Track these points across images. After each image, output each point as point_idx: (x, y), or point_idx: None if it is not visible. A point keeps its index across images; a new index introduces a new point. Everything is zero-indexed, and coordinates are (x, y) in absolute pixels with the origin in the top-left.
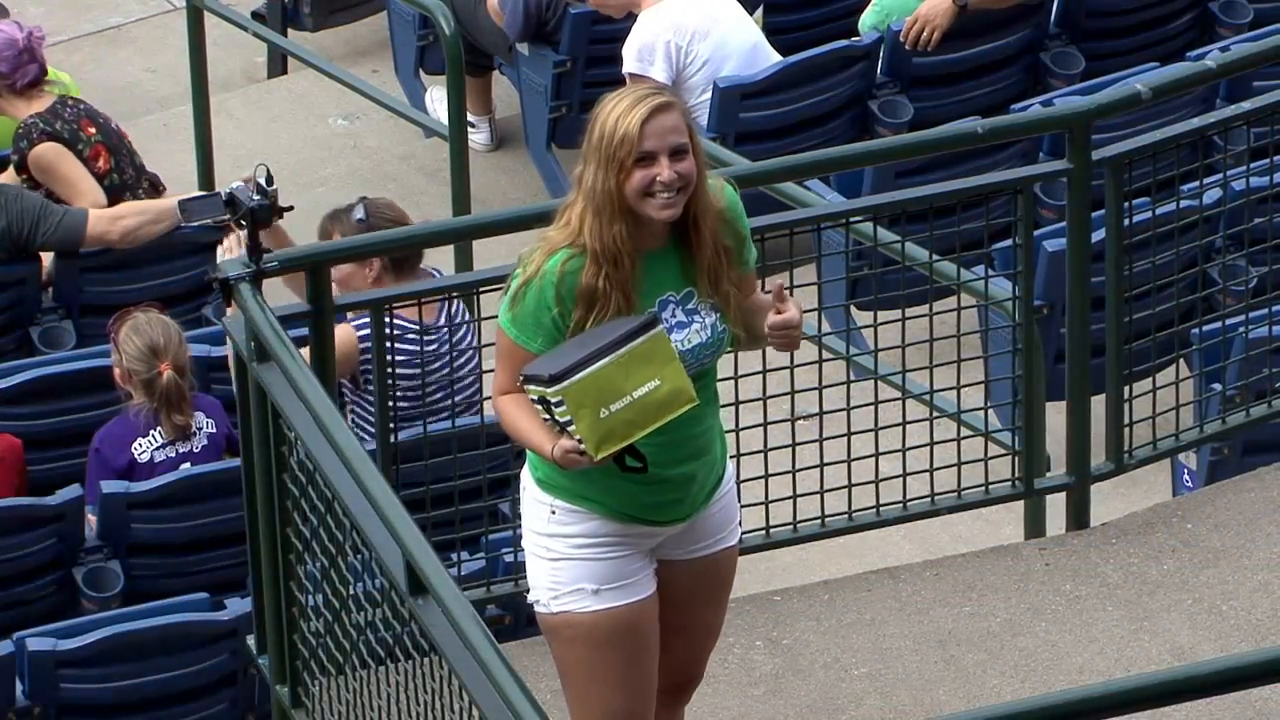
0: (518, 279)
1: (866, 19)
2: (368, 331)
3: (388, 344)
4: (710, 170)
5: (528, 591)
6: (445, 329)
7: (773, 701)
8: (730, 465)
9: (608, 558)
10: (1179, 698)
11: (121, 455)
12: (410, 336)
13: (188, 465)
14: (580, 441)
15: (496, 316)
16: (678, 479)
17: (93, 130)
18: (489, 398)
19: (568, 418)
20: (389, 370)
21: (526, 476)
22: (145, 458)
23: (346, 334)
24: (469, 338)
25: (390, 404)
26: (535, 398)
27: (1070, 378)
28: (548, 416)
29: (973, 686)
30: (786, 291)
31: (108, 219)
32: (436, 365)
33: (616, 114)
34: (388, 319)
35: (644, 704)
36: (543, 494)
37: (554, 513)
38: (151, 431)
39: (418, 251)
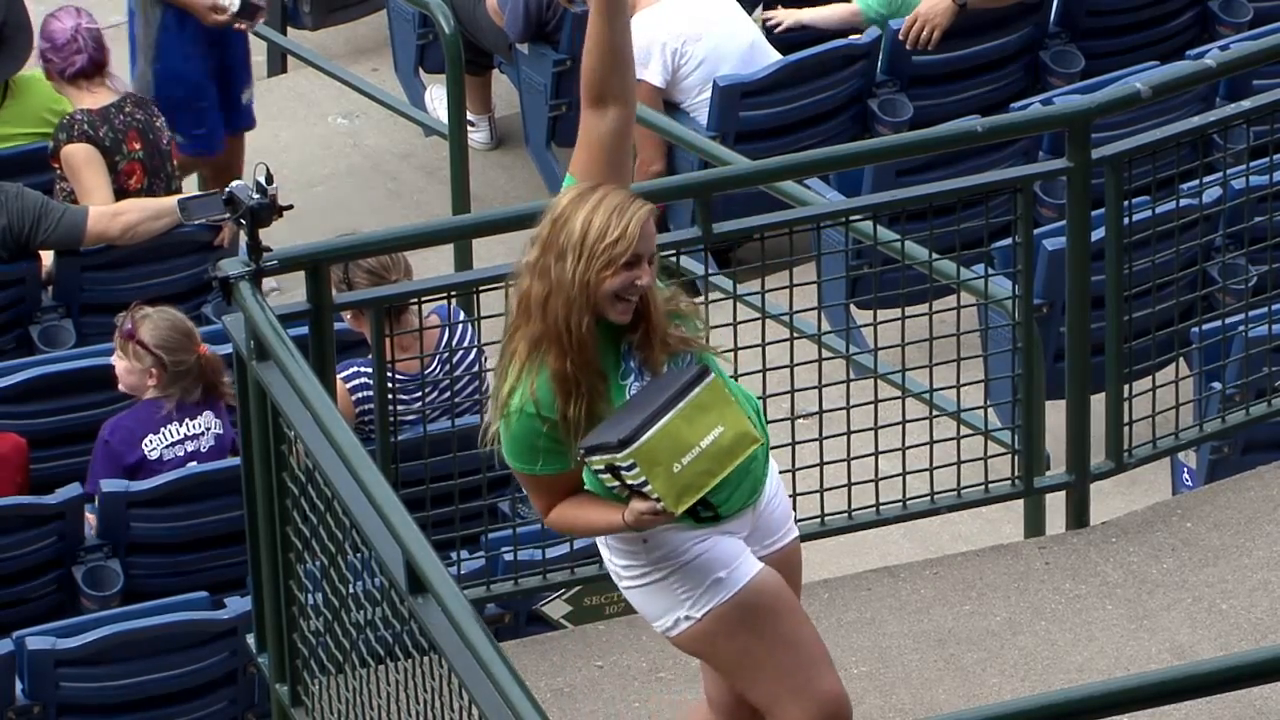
0: (504, 427)
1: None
2: (358, 382)
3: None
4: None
5: (660, 625)
6: (439, 370)
7: None
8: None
9: (716, 548)
10: (1179, 697)
11: (132, 451)
12: (400, 392)
13: (194, 464)
14: (659, 500)
15: (497, 316)
16: (743, 476)
17: (137, 146)
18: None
19: (641, 479)
20: (391, 421)
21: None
22: (155, 455)
23: (341, 394)
24: (470, 338)
25: (391, 409)
26: (602, 467)
27: (1070, 376)
28: (616, 483)
29: (972, 685)
30: None
31: (108, 215)
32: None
33: (607, 211)
34: (390, 370)
35: (823, 647)
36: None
37: (646, 541)
38: (163, 429)
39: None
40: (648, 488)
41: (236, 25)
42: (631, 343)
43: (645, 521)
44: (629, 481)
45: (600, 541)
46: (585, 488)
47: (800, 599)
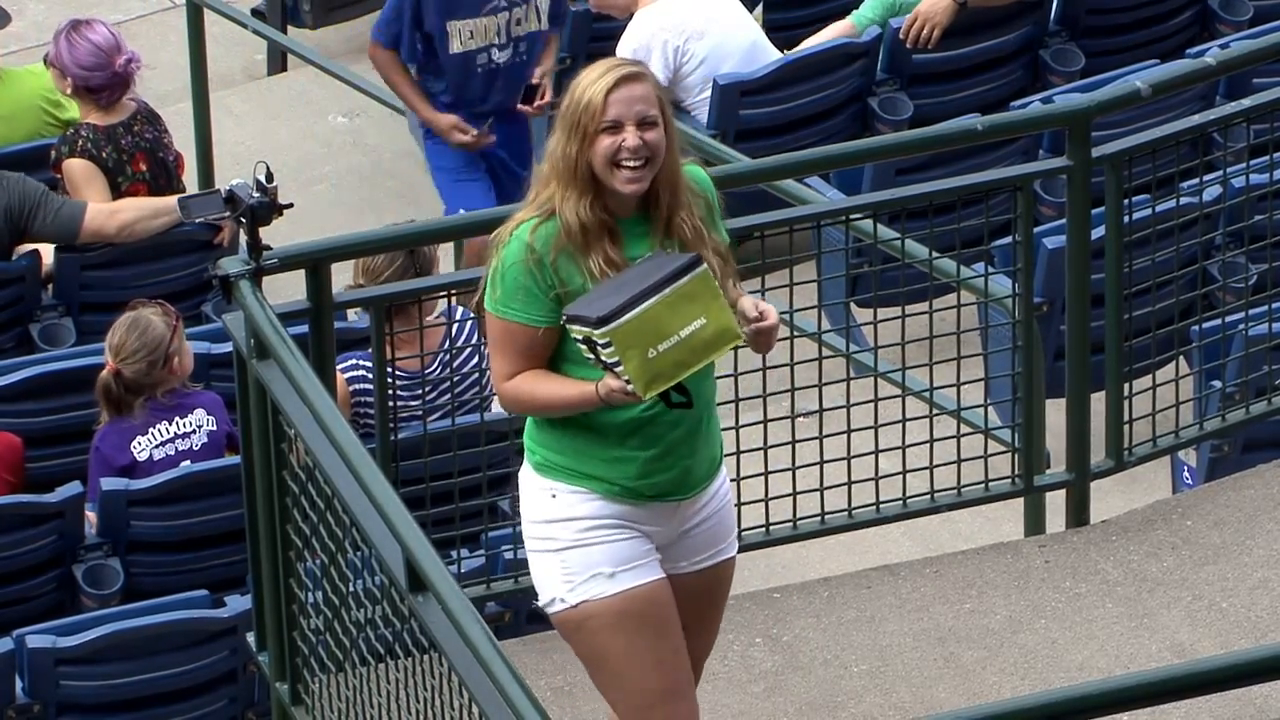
0: (493, 259)
1: (864, 13)
2: (356, 374)
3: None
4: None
5: (536, 599)
6: (445, 370)
7: (772, 698)
8: (726, 473)
9: (616, 539)
10: (1179, 695)
11: (122, 454)
12: (405, 389)
13: (188, 463)
14: (628, 381)
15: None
16: (676, 445)
17: (143, 167)
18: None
19: (615, 358)
20: (391, 418)
21: (525, 470)
22: (145, 456)
23: (338, 384)
24: (471, 335)
25: (391, 406)
26: (580, 338)
27: (1070, 375)
28: (591, 356)
29: (972, 684)
30: (761, 300)
31: (105, 213)
32: (440, 400)
33: (585, 82)
34: (390, 368)
35: (683, 678)
36: (543, 479)
37: (555, 496)
38: (150, 430)
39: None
40: (620, 368)
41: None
42: (647, 228)
43: (615, 399)
44: (603, 358)
45: (520, 493)
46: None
47: (720, 618)
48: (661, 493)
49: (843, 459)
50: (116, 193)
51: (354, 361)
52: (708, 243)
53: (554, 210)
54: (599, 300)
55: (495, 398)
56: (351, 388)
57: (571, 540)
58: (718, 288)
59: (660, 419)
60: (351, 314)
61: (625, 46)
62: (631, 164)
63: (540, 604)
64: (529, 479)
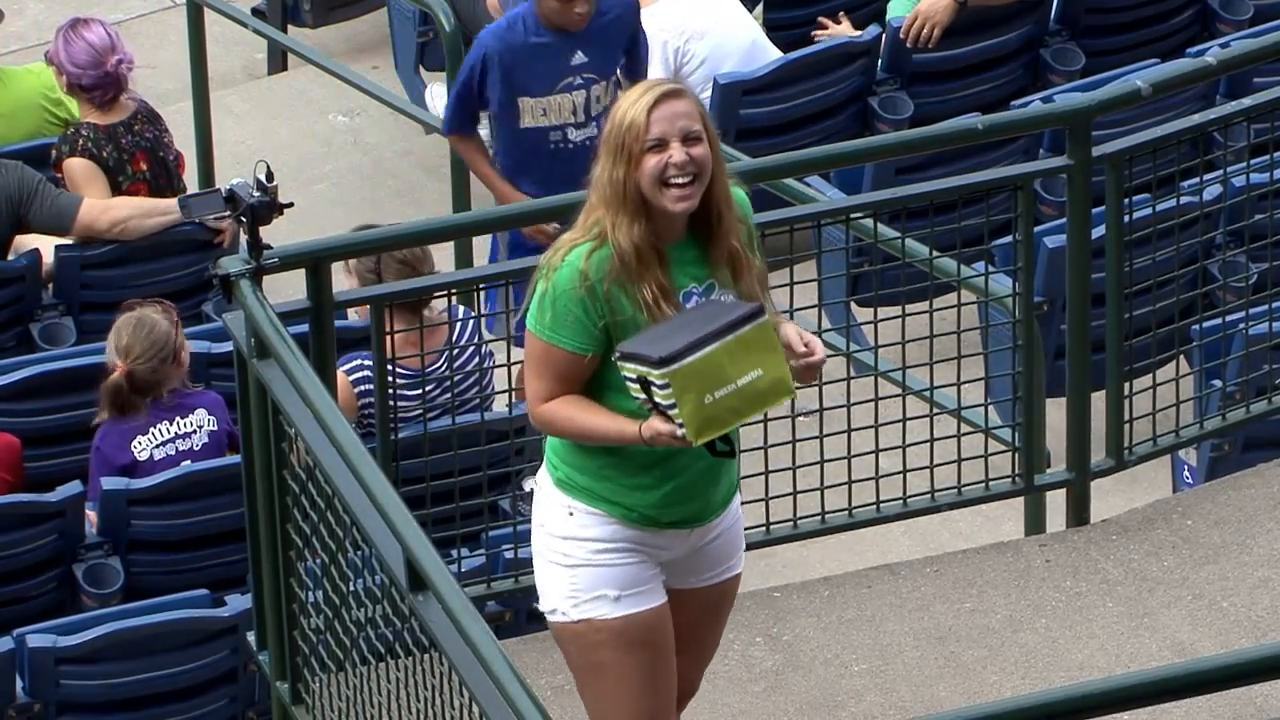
0: (542, 282)
1: (895, 7)
2: (361, 375)
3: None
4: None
5: (537, 600)
6: (445, 367)
7: (773, 698)
8: (739, 494)
9: (626, 564)
10: (1179, 694)
11: (122, 454)
12: (408, 388)
13: (189, 463)
14: (681, 425)
15: (500, 314)
16: (698, 478)
17: (144, 166)
18: (501, 391)
19: (670, 401)
20: (394, 417)
21: (544, 478)
22: (145, 456)
23: (341, 383)
24: (472, 335)
25: (391, 405)
26: (634, 376)
27: (1070, 374)
28: (643, 396)
29: (973, 683)
30: (805, 331)
31: (99, 209)
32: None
33: (625, 104)
34: (390, 367)
35: (667, 701)
36: (563, 495)
37: (572, 514)
38: (151, 429)
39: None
40: (674, 410)
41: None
42: (698, 252)
43: (661, 441)
44: (657, 399)
45: (537, 501)
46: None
47: (722, 630)
48: (679, 521)
49: (843, 458)
50: (117, 192)
51: (359, 362)
52: (753, 268)
53: (604, 235)
54: (659, 340)
55: (496, 398)
56: (357, 389)
57: (583, 560)
58: (776, 340)
59: (686, 452)
60: (352, 314)
61: None
62: (680, 180)
63: (541, 608)
64: (548, 491)
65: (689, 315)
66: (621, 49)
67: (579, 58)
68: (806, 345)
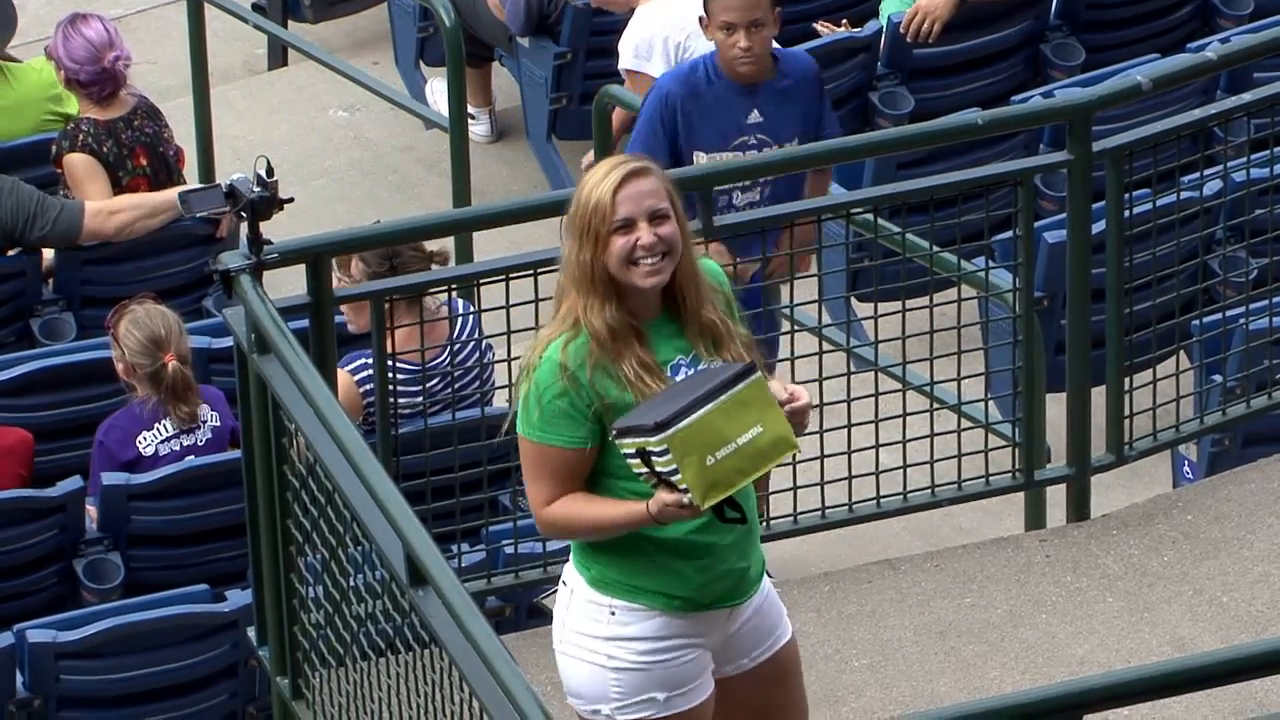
0: (524, 383)
1: (888, 5)
2: (366, 375)
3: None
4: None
5: (576, 699)
6: (446, 362)
7: None
8: (765, 571)
9: (674, 664)
10: (1179, 689)
11: (127, 449)
12: (411, 383)
13: (193, 458)
14: (685, 491)
15: (500, 308)
16: (728, 552)
17: (144, 161)
18: (501, 387)
19: (671, 467)
20: (396, 412)
21: (574, 578)
22: (150, 451)
23: (346, 384)
24: (472, 330)
25: (391, 401)
26: (633, 451)
27: (1071, 369)
28: (645, 470)
29: (973, 678)
30: (789, 383)
31: (104, 214)
32: (441, 390)
33: (590, 184)
34: (390, 362)
35: None
36: (600, 595)
37: (614, 614)
38: (156, 425)
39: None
40: (676, 477)
41: None
42: (676, 327)
43: (669, 515)
44: (658, 468)
45: (561, 601)
46: (594, 489)
47: (802, 697)
48: (720, 599)
49: (843, 453)
50: (117, 187)
51: (363, 361)
52: (736, 337)
53: (578, 321)
54: (652, 410)
55: (496, 393)
56: (362, 389)
57: (630, 663)
58: (772, 395)
59: (708, 529)
60: (351, 326)
61: (627, 42)
62: (650, 260)
63: (577, 706)
64: (581, 593)
65: (679, 385)
66: (799, 117)
67: (755, 116)
68: (790, 394)
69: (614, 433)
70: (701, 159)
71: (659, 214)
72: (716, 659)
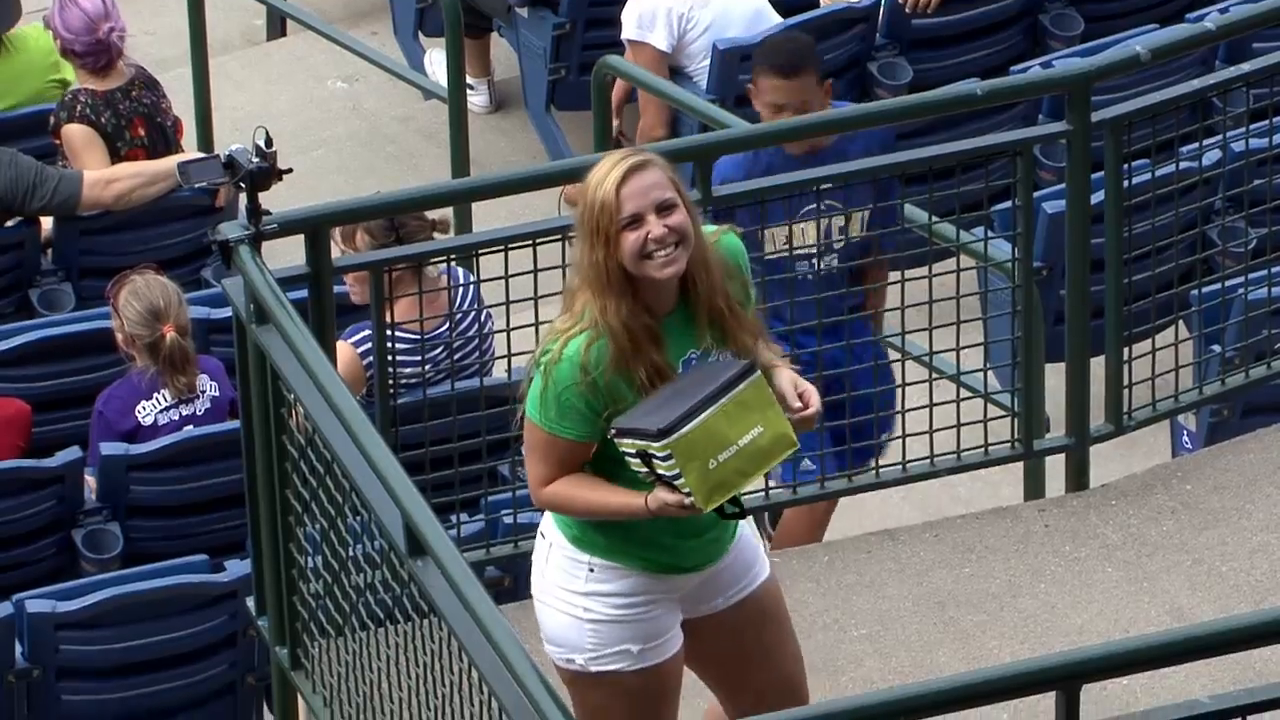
0: (541, 377)
1: None
2: (368, 348)
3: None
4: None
5: (552, 646)
6: (447, 331)
7: None
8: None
9: (647, 617)
10: (1178, 659)
11: (126, 419)
12: (412, 353)
13: (191, 428)
14: (688, 494)
15: (499, 279)
16: (712, 524)
17: (142, 132)
18: (501, 357)
19: (675, 471)
20: (392, 388)
21: (553, 533)
22: (149, 421)
23: (349, 356)
24: (472, 300)
25: (391, 373)
26: (634, 452)
27: (1070, 339)
28: (645, 470)
29: (972, 648)
30: (800, 379)
31: (102, 183)
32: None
33: (593, 183)
34: (390, 332)
35: None
36: (579, 552)
37: (593, 570)
38: (155, 395)
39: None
40: (680, 481)
41: None
42: (689, 315)
43: (669, 513)
44: (660, 471)
45: (540, 552)
46: (591, 468)
47: (791, 639)
48: (698, 564)
49: (843, 423)
50: (115, 158)
51: (367, 333)
52: (745, 326)
53: (595, 321)
54: (654, 412)
55: (495, 363)
56: (365, 360)
57: (605, 615)
58: (772, 395)
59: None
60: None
61: (630, 12)
62: (663, 252)
63: (553, 655)
64: (560, 549)
65: (680, 382)
66: (868, 187)
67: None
68: (802, 398)
69: (613, 431)
70: (770, 234)
71: (666, 204)
72: (689, 604)
